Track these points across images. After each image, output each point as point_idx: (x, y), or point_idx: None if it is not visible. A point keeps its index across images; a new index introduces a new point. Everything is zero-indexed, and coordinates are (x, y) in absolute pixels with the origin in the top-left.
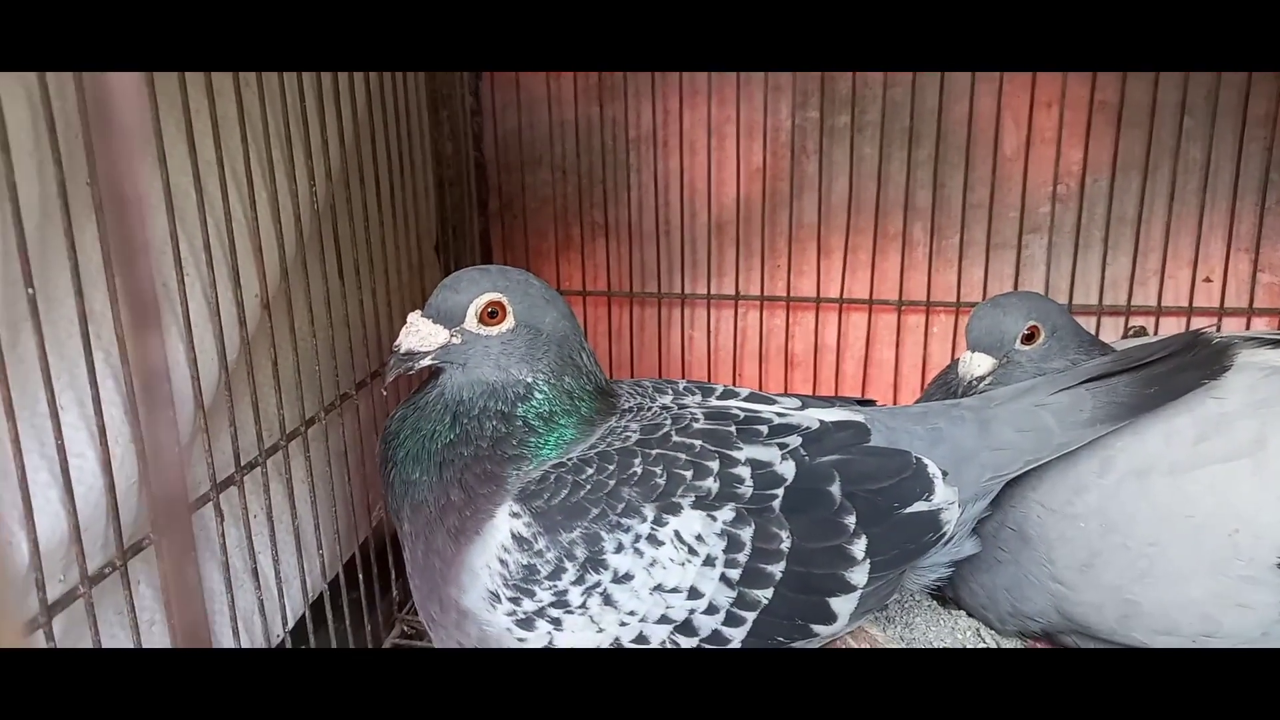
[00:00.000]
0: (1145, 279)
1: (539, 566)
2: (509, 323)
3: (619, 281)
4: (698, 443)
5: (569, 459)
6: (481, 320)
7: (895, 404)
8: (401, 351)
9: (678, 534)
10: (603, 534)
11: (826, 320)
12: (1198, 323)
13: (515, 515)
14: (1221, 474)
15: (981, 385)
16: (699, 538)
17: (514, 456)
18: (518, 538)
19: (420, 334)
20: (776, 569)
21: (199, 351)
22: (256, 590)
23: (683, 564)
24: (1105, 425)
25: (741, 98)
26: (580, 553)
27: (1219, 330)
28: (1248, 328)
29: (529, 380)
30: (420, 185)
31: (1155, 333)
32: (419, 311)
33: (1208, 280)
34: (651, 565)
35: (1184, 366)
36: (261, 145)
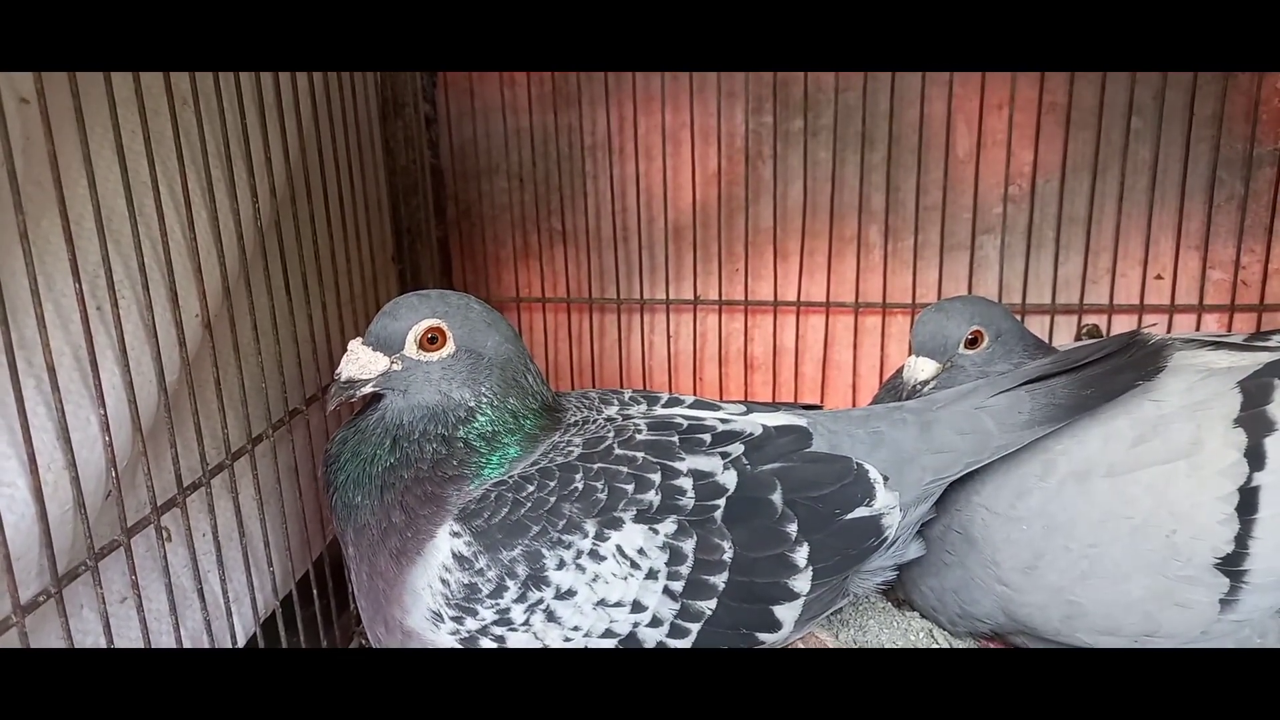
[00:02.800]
0: (1097, 278)
1: (480, 585)
2: (449, 348)
3: (578, 288)
4: (640, 455)
5: (510, 477)
6: (421, 346)
7: (854, 405)
8: (342, 380)
9: (619, 548)
10: (544, 551)
11: (784, 323)
12: (1149, 320)
13: (456, 535)
14: (1159, 475)
15: (926, 389)
16: (641, 551)
17: (455, 476)
18: (458, 557)
19: (360, 362)
20: (719, 579)
21: (135, 374)
22: (203, 610)
23: (625, 578)
24: (1044, 427)
25: (696, 103)
26: (522, 570)
27: (1170, 328)
28: (1198, 324)
29: (471, 404)
30: (373, 196)
31: (1108, 331)
32: (360, 339)
33: (1159, 278)
34: (594, 580)
35: (1120, 368)
36: (200, 164)
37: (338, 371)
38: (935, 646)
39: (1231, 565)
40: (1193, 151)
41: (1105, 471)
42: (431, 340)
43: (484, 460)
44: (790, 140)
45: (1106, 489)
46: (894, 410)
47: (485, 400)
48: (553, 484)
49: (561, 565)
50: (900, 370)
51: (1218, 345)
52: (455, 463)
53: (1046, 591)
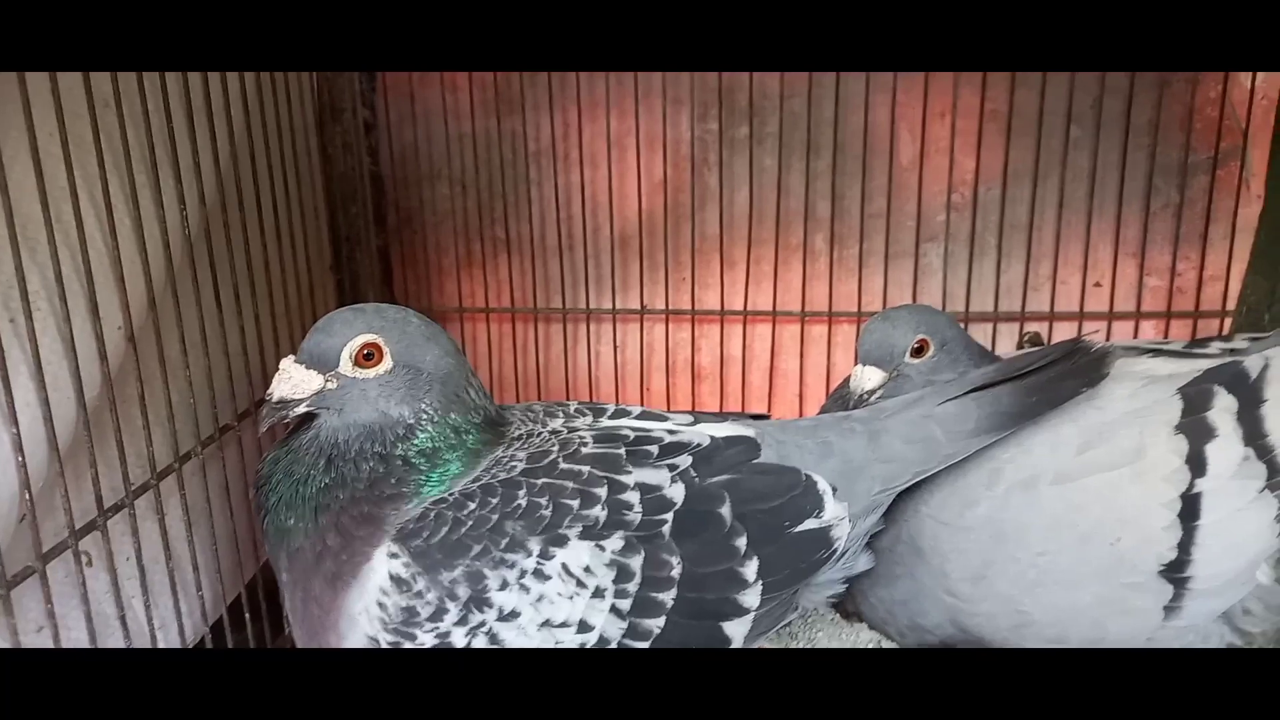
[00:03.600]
0: (1038, 285)
1: (419, 608)
2: (386, 364)
3: (523, 297)
4: (585, 469)
5: (451, 494)
6: (357, 363)
7: (801, 414)
8: (274, 400)
9: (565, 567)
10: (486, 571)
11: (731, 332)
12: (1089, 327)
13: (393, 556)
14: (1105, 482)
15: (873, 399)
16: (587, 569)
17: (392, 496)
18: (396, 579)
19: (293, 381)
20: (668, 596)
21: (52, 391)
22: (126, 638)
23: (571, 597)
24: (990, 435)
25: (641, 109)
26: (463, 592)
27: (1109, 335)
28: (1136, 331)
29: (410, 421)
30: (310, 203)
31: (1049, 338)
32: (292, 357)
33: (1097, 285)
34: (538, 601)
35: (1065, 375)
36: (124, 169)
37: (269, 391)
38: None
39: (1175, 571)
40: (1130, 159)
41: (1052, 479)
42: (368, 356)
43: (424, 478)
44: (736, 147)
45: (1053, 497)
46: (842, 420)
47: (425, 416)
48: (495, 501)
49: (505, 586)
50: (847, 380)
51: (1157, 352)
52: (393, 481)
53: (995, 601)
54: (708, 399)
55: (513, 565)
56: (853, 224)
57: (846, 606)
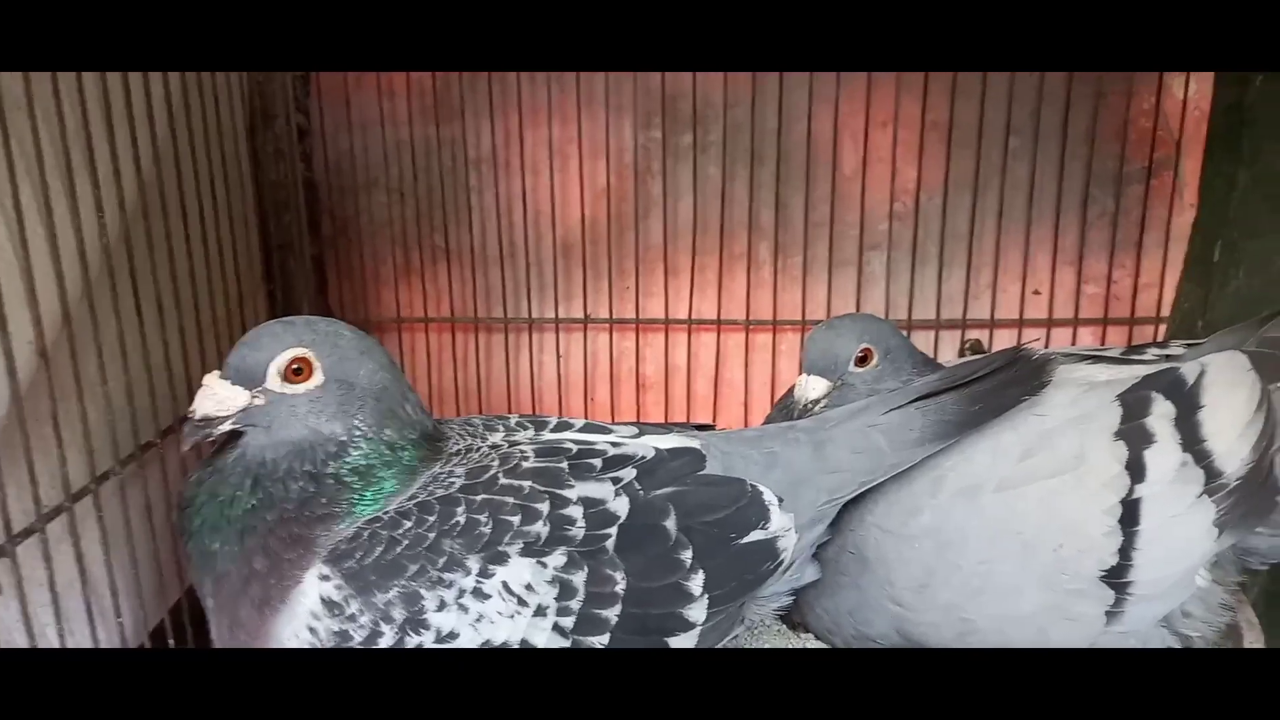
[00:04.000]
0: (979, 293)
1: (352, 632)
2: (317, 379)
3: (463, 307)
4: (527, 484)
5: (386, 513)
6: (285, 378)
7: (747, 423)
8: (197, 417)
9: (505, 585)
10: (422, 592)
11: (676, 341)
12: (1029, 334)
13: (324, 578)
14: (1046, 490)
15: (818, 408)
16: (529, 587)
17: (323, 516)
18: (328, 602)
19: (217, 397)
20: (612, 613)
21: None
22: None
23: (512, 616)
24: (934, 444)
25: (584, 117)
26: (398, 614)
27: (1048, 342)
28: (1074, 338)
29: (343, 438)
30: (240, 211)
31: (990, 345)
32: (216, 372)
33: (1036, 293)
34: (478, 621)
35: (1007, 384)
36: (36, 175)
37: (192, 409)
38: None
39: (1116, 577)
40: (1067, 169)
41: (994, 487)
42: (297, 371)
43: (357, 497)
44: (680, 156)
45: (995, 504)
46: (787, 430)
47: (358, 433)
48: (432, 519)
49: (442, 606)
50: (792, 389)
51: (1096, 359)
52: (324, 500)
53: (940, 610)
54: (653, 409)
55: (451, 585)
56: (796, 232)
57: (793, 617)
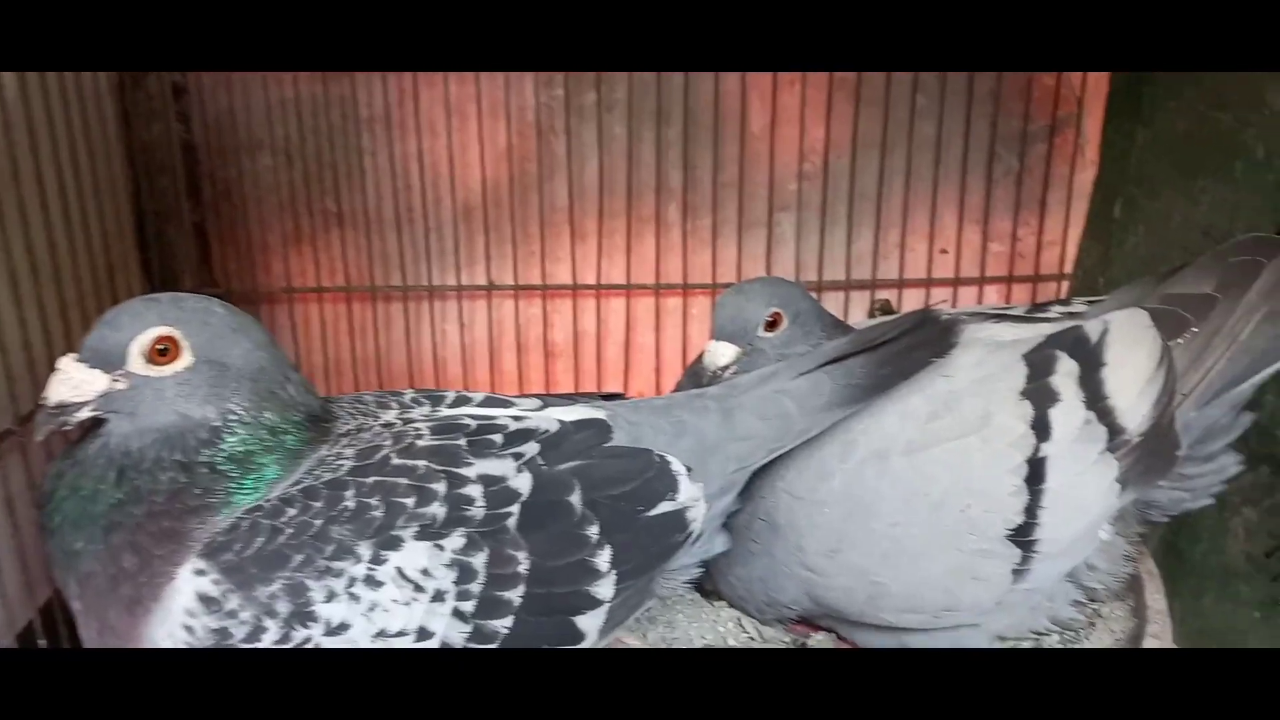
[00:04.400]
0: (888, 253)
1: (232, 629)
2: (185, 360)
3: (358, 275)
4: (421, 463)
5: (267, 501)
6: (150, 360)
7: (659, 389)
8: (51, 404)
9: (400, 571)
10: (309, 582)
11: (584, 307)
12: (937, 293)
13: (200, 573)
14: (954, 451)
15: (728, 374)
16: (425, 572)
17: (198, 508)
18: (204, 599)
19: (73, 382)
20: (515, 594)
21: None
22: None
23: (408, 603)
24: (843, 409)
25: (482, 75)
26: (283, 607)
27: (955, 301)
28: (980, 296)
29: (216, 423)
30: (105, 175)
31: (899, 305)
32: (72, 355)
33: (943, 252)
34: (371, 610)
35: (914, 346)
36: None
37: (44, 395)
38: (744, 636)
39: (1023, 536)
40: (973, 128)
41: (903, 450)
42: (162, 352)
43: (235, 485)
44: (584, 115)
45: (905, 467)
46: (696, 398)
47: (234, 417)
48: (318, 505)
49: (331, 597)
50: (702, 356)
51: (1001, 318)
52: (198, 491)
53: (851, 574)
54: (563, 377)
55: (340, 574)
56: (705, 194)
57: (705, 586)
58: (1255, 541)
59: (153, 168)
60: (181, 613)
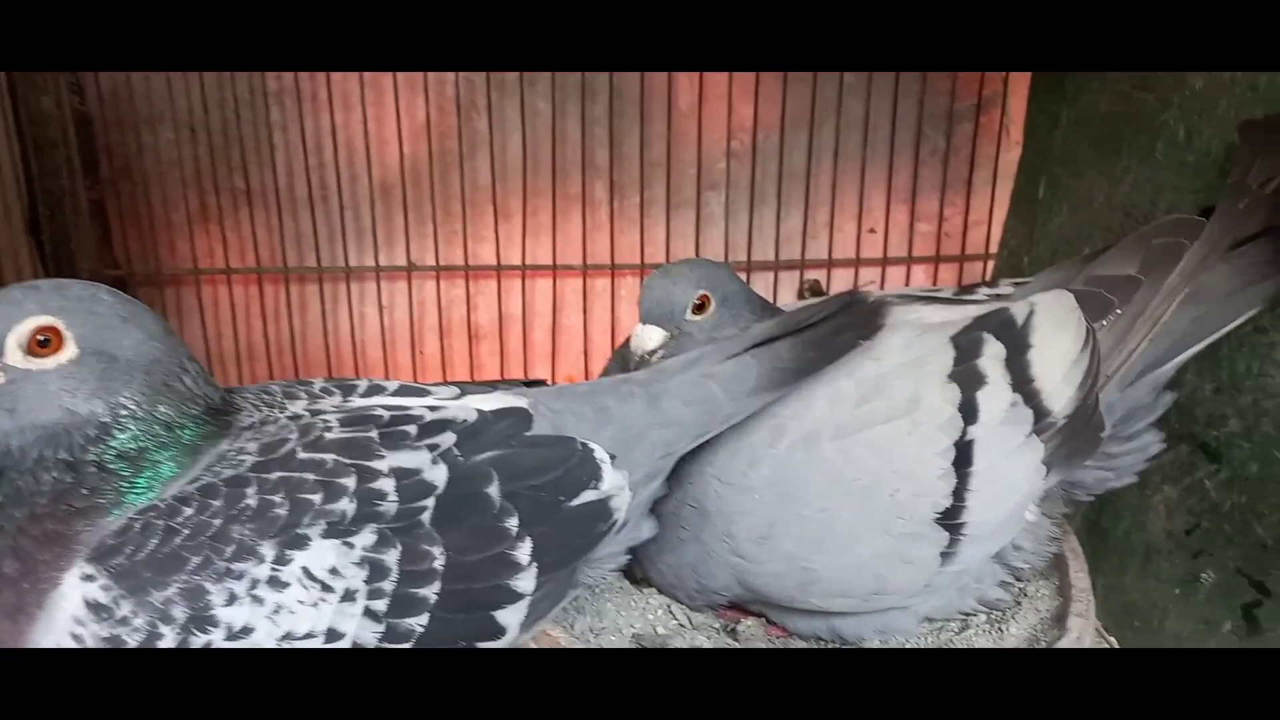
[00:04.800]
0: (816, 232)
1: (125, 637)
2: (69, 352)
3: (271, 256)
4: (330, 457)
5: (162, 501)
6: (30, 351)
7: (587, 371)
8: None
9: (306, 571)
10: (208, 585)
11: (510, 288)
12: (865, 273)
13: (88, 579)
14: (882, 435)
15: (655, 358)
16: (333, 571)
17: (85, 509)
18: (94, 606)
19: None
20: (430, 591)
21: None
22: None
23: (315, 604)
24: (770, 393)
25: None
26: (179, 612)
27: (884, 281)
28: (908, 275)
29: (105, 418)
30: None
31: (828, 285)
32: None
33: (872, 231)
34: (276, 613)
35: (842, 328)
36: None
37: None
38: (674, 623)
39: (950, 519)
40: (900, 107)
41: (832, 434)
42: (43, 343)
43: (126, 485)
44: (506, 90)
45: (834, 452)
46: (621, 383)
47: (125, 412)
48: (217, 503)
49: (232, 600)
50: (629, 340)
51: (929, 300)
52: (85, 491)
53: (781, 560)
54: (488, 360)
55: (241, 575)
56: (633, 172)
57: (635, 573)
58: (1175, 519)
59: (43, 142)
60: (69, 620)
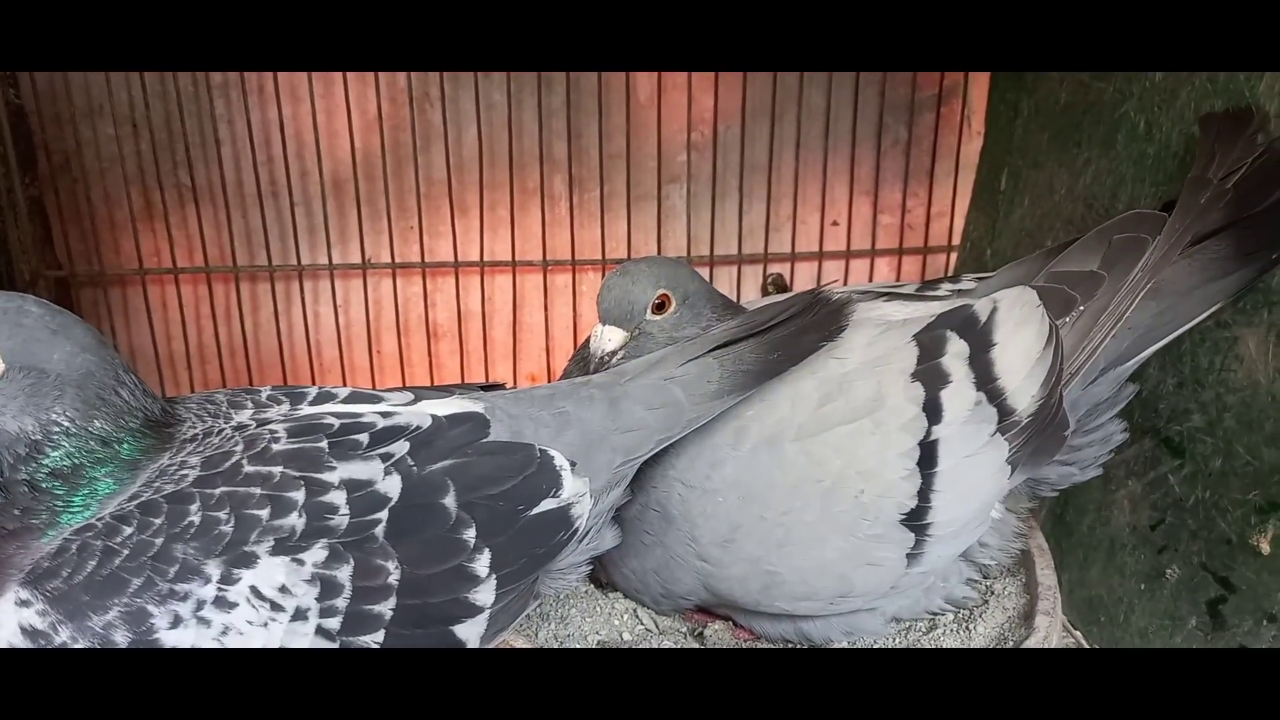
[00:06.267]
0: (780, 225)
1: None
2: None
3: (220, 255)
4: (277, 470)
5: (100, 520)
6: None
7: (549, 370)
8: None
9: (255, 590)
10: (150, 608)
11: (469, 285)
12: (829, 267)
13: (24, 604)
14: (846, 435)
15: (615, 360)
16: (283, 589)
17: (18, 531)
18: (30, 632)
19: None
20: (385, 607)
21: None
22: None
23: (265, 624)
24: (734, 395)
25: None
26: (121, 637)
27: (847, 273)
28: (872, 268)
29: (35, 436)
30: None
31: (791, 278)
32: None
33: (835, 224)
34: (224, 634)
35: (805, 329)
36: None
37: None
38: (640, 628)
39: (916, 519)
40: (861, 97)
41: (795, 435)
42: None
43: (62, 504)
44: (460, 81)
45: (797, 453)
46: (580, 387)
47: (57, 429)
48: (159, 521)
49: (177, 622)
50: (589, 340)
51: (892, 296)
52: (17, 512)
53: (745, 563)
54: (448, 359)
55: (186, 597)
56: (592, 165)
57: (600, 577)
58: (1139, 514)
59: None
60: (3, 647)
